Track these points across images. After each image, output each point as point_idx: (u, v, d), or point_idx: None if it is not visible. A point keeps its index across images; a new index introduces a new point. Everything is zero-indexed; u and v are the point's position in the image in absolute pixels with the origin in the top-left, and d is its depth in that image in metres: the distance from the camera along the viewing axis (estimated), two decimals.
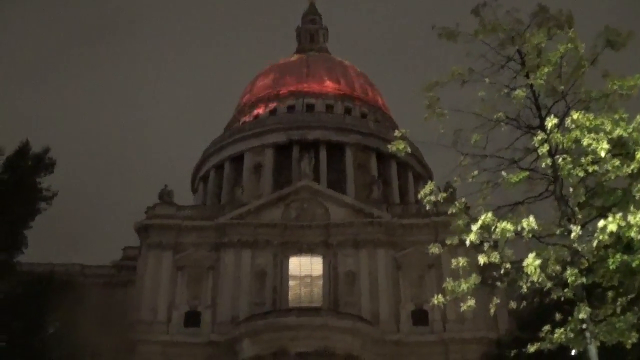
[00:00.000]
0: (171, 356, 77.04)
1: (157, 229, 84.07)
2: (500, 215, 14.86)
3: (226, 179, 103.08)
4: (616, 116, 13.85)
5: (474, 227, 14.60)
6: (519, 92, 15.79)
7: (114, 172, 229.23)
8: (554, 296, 14.94)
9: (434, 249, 16.50)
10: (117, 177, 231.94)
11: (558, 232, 14.66)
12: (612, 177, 13.46)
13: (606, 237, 12.62)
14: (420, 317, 79.42)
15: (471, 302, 15.63)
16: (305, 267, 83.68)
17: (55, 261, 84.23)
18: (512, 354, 19.18)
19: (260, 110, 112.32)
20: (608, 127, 13.46)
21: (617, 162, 13.27)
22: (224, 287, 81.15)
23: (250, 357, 72.45)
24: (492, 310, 16.20)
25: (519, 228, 14.15)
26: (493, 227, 14.50)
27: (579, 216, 14.65)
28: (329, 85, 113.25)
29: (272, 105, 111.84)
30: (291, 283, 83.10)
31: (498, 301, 15.89)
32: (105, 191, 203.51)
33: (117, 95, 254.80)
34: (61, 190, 47.51)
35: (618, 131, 13.43)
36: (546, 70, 15.20)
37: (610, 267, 13.69)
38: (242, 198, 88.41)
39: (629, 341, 14.32)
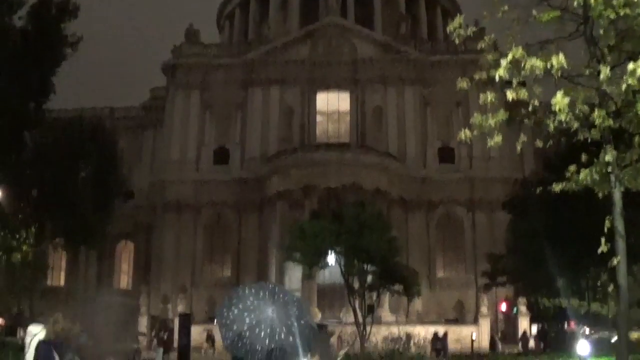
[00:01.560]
0: (201, 194, 78.61)
1: (184, 69, 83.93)
2: (529, 53, 14.50)
3: (252, 16, 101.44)
4: None
5: (504, 62, 14.27)
6: None
7: (139, 14, 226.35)
8: (581, 137, 14.80)
9: (462, 84, 16.21)
10: (142, 18, 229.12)
11: (587, 72, 14.37)
12: None
13: (635, 81, 12.36)
14: (446, 154, 79.92)
15: (498, 138, 15.48)
16: (332, 103, 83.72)
17: (84, 106, 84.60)
18: (537, 192, 19.19)
19: None
20: None
21: None
22: (252, 124, 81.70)
23: (279, 193, 73.62)
24: (518, 147, 16.12)
25: (549, 65, 13.81)
26: (522, 64, 14.19)
27: (609, 58, 14.31)
28: None
29: None
30: (319, 119, 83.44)
31: (525, 139, 15.73)
32: (130, 33, 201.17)
33: None
34: (87, 35, 47.18)
35: None
36: None
37: (638, 113, 13.50)
38: (269, 35, 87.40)
39: None
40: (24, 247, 46.33)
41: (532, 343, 57.18)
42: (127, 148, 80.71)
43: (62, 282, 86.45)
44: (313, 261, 52.83)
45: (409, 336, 45.28)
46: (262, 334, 3.54)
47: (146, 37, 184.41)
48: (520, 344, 56.75)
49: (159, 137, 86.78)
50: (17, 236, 45.76)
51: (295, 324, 3.63)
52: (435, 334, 52.62)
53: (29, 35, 43.08)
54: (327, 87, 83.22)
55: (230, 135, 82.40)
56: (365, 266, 51.12)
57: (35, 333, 16.11)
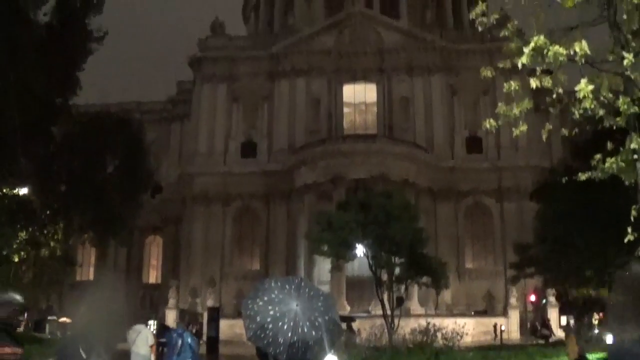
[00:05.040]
0: (229, 186, 78.77)
1: (211, 61, 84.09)
2: (553, 40, 14.21)
3: (277, 7, 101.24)
4: None
5: (527, 50, 14.01)
6: None
7: (164, 7, 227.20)
8: (606, 124, 14.50)
9: (486, 73, 15.96)
10: (167, 12, 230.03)
11: (611, 59, 14.06)
12: None
13: None
14: (474, 143, 79.47)
15: (523, 127, 15.26)
16: (359, 93, 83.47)
17: (111, 100, 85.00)
18: (563, 181, 18.94)
19: None
20: None
21: None
22: (279, 116, 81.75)
23: (307, 184, 73.60)
24: (544, 136, 15.82)
25: (572, 52, 13.53)
26: (546, 51, 13.91)
27: (633, 44, 13.99)
28: None
29: None
30: (346, 110, 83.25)
31: (550, 127, 15.46)
32: (156, 27, 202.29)
33: None
34: (112, 30, 47.37)
35: None
36: None
37: None
38: (294, 26, 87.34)
39: None
40: (52, 243, 46.62)
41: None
42: (155, 142, 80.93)
43: (91, 277, 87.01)
44: (340, 253, 52.72)
45: (437, 328, 44.93)
46: (285, 326, 3.52)
47: (172, 31, 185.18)
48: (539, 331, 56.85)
49: (186, 131, 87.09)
50: (45, 231, 46.03)
51: (320, 318, 3.60)
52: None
53: (54, 30, 43.30)
54: (354, 78, 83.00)
55: (257, 127, 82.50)
56: (393, 258, 50.89)
57: (140, 330, 21.92)
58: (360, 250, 52.27)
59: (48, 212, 46.56)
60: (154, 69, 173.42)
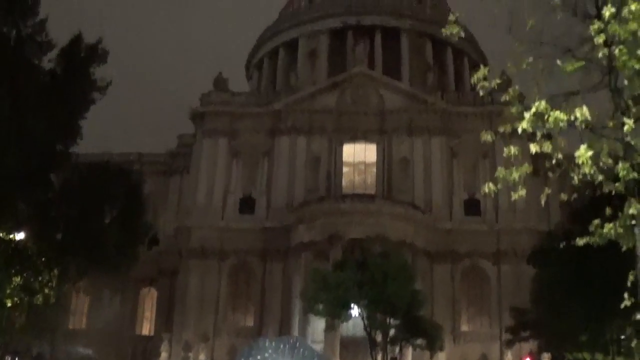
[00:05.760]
0: (226, 242, 78.61)
1: (212, 116, 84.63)
2: (554, 105, 14.40)
3: (280, 65, 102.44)
4: None
5: (527, 115, 14.19)
6: None
7: (169, 61, 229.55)
8: (605, 190, 14.58)
9: (486, 137, 16.13)
10: (171, 66, 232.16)
11: (611, 124, 14.20)
12: None
13: None
14: (472, 206, 79.56)
15: (522, 191, 15.34)
16: (359, 153, 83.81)
17: (112, 150, 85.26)
18: (561, 247, 19.00)
19: None
20: None
21: None
22: (279, 173, 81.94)
23: (304, 242, 73.57)
24: (542, 201, 15.94)
25: (572, 118, 13.70)
26: (546, 116, 14.08)
27: (633, 110, 14.14)
28: None
29: None
30: (345, 169, 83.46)
31: (549, 192, 15.55)
32: (160, 80, 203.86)
33: None
34: (116, 80, 47.64)
35: None
36: None
37: None
38: (296, 84, 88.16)
39: None
40: (46, 289, 46.31)
41: None
42: (154, 194, 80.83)
43: (83, 325, 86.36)
44: (335, 313, 52.47)
45: None
46: None
47: (175, 84, 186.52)
48: None
49: (186, 184, 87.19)
50: (40, 278, 45.77)
51: None
52: None
53: (58, 77, 43.54)
54: (354, 138, 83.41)
55: (256, 183, 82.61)
56: (388, 319, 50.64)
57: None
58: (355, 310, 52.02)
59: (43, 258, 46.29)
60: (156, 121, 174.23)
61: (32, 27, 40.79)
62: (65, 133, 43.68)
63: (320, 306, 53.39)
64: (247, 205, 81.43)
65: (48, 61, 43.38)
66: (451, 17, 16.52)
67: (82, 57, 44.71)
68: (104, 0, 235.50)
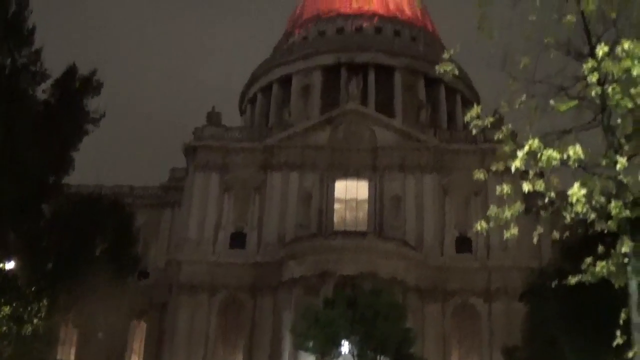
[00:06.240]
0: (216, 277, 78.32)
1: (205, 150, 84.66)
2: (546, 143, 14.47)
3: (274, 101, 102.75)
4: None
5: (520, 153, 14.23)
6: (570, 18, 15.23)
7: (162, 94, 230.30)
8: (598, 228, 14.62)
9: (479, 175, 16.17)
10: (165, 99, 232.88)
11: (604, 163, 14.27)
12: None
13: None
14: (464, 243, 79.61)
15: (514, 230, 15.35)
16: (351, 190, 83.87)
17: (103, 183, 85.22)
18: (553, 285, 18.97)
19: (309, 32, 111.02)
20: None
21: None
22: (271, 208, 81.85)
23: (295, 278, 73.41)
24: (535, 240, 15.94)
25: (565, 156, 13.77)
26: (539, 155, 14.14)
27: (626, 148, 14.22)
28: (378, 7, 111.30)
29: (321, 27, 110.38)
30: (337, 206, 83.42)
31: (541, 230, 15.58)
32: (153, 113, 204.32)
33: (165, 16, 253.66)
34: (109, 112, 47.74)
35: None
36: None
37: None
38: (289, 120, 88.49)
39: None
40: (35, 320, 46.03)
41: None
42: (145, 227, 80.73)
43: (72, 357, 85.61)
44: (326, 350, 52.15)
45: None
46: None
47: (168, 118, 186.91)
48: None
49: (177, 217, 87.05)
50: (29, 308, 45.51)
51: None
52: None
53: (51, 108, 43.62)
54: (346, 174, 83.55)
55: (248, 218, 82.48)
56: (379, 357, 50.35)
57: None
58: (345, 347, 51.72)
59: (33, 288, 46.07)
60: (149, 154, 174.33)
61: (27, 57, 40.94)
62: (57, 164, 43.70)
63: (311, 343, 53.12)
64: (238, 240, 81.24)
65: (42, 91, 43.51)
66: (445, 55, 16.65)
67: (76, 88, 44.85)
68: (100, 32, 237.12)
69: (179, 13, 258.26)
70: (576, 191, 13.74)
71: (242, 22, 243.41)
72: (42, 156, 40.89)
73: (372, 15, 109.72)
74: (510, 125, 15.88)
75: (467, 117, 15.64)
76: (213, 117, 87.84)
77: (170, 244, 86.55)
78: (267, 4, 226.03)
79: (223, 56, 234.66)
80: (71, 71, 45.18)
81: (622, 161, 13.09)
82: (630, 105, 13.20)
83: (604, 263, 14.33)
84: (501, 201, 16.23)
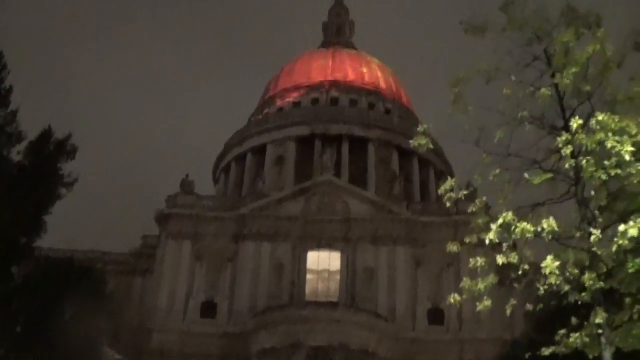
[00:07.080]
0: (186, 346, 77.29)
1: (177, 218, 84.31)
2: (520, 215, 14.65)
3: (248, 170, 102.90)
4: None
5: (494, 226, 14.40)
6: (544, 91, 15.55)
7: (135, 161, 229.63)
8: (571, 299, 14.74)
9: (452, 247, 16.33)
10: (138, 166, 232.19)
11: (578, 235, 14.46)
12: (635, 181, 13.26)
13: (626, 241, 12.44)
14: (436, 315, 79.32)
15: (487, 302, 15.47)
16: (323, 261, 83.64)
17: (75, 247, 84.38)
18: (527, 356, 18.98)
19: (284, 103, 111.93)
20: (633, 130, 13.26)
21: None
22: (242, 278, 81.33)
23: (266, 349, 72.63)
24: (508, 311, 16.02)
25: (539, 229, 13.94)
26: (513, 227, 14.30)
27: (600, 220, 14.44)
28: (354, 79, 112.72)
29: (296, 98, 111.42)
30: (309, 277, 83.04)
31: (515, 302, 15.69)
32: (126, 179, 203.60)
33: (140, 83, 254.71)
34: (82, 177, 47.66)
35: None
36: (572, 70, 14.95)
37: (629, 271, 13.49)
38: (263, 190, 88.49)
39: None
40: None
41: None
42: (116, 293, 79.72)
43: None
44: None
45: None
46: None
47: (142, 184, 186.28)
48: None
49: (148, 284, 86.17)
50: None
51: None
52: None
53: (25, 170, 43.53)
54: (319, 245, 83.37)
55: (219, 287, 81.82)
56: None
57: None
58: None
59: (1, 351, 45.27)
60: (121, 220, 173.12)
61: (3, 118, 40.99)
62: (29, 226, 43.42)
63: None
64: (209, 309, 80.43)
65: (17, 153, 43.49)
66: (419, 129, 16.88)
67: (51, 151, 44.86)
68: (76, 96, 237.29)
69: (155, 79, 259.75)
70: (549, 263, 13.89)
71: (219, 88, 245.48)
72: (14, 218, 40.64)
73: (348, 86, 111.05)
74: (484, 198, 16.07)
75: (441, 190, 15.84)
76: (186, 185, 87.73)
77: (141, 310, 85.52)
78: (245, 72, 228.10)
79: (199, 123, 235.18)
80: (46, 134, 45.26)
81: (596, 233, 13.28)
82: (604, 176, 13.43)
83: (577, 334, 14.40)
84: (474, 273, 16.33)
